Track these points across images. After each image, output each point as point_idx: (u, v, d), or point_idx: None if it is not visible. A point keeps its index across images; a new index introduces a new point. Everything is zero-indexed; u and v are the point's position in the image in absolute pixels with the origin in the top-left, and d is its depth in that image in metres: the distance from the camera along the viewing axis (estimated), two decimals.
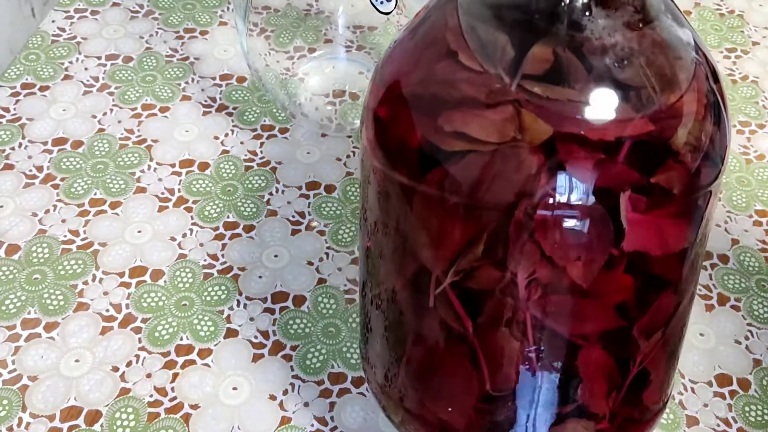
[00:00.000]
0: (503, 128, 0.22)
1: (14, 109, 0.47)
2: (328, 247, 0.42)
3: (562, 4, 0.22)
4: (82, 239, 0.41)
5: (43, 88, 0.49)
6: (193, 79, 0.50)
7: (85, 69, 0.50)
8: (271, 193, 0.44)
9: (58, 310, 0.38)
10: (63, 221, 0.42)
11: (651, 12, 0.23)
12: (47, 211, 0.42)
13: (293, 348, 0.37)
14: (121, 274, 0.40)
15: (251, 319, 0.38)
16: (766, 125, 0.52)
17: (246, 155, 0.46)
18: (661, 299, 0.25)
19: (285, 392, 0.36)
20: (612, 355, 0.25)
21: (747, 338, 0.40)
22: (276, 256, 0.41)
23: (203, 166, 0.45)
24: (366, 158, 0.27)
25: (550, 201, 0.22)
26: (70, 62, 0.51)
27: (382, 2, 0.42)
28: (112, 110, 0.48)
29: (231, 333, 0.38)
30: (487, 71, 0.23)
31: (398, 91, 0.25)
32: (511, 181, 0.22)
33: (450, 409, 0.27)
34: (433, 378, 0.27)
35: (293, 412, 0.35)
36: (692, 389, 0.37)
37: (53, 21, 0.53)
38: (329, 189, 0.45)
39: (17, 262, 0.40)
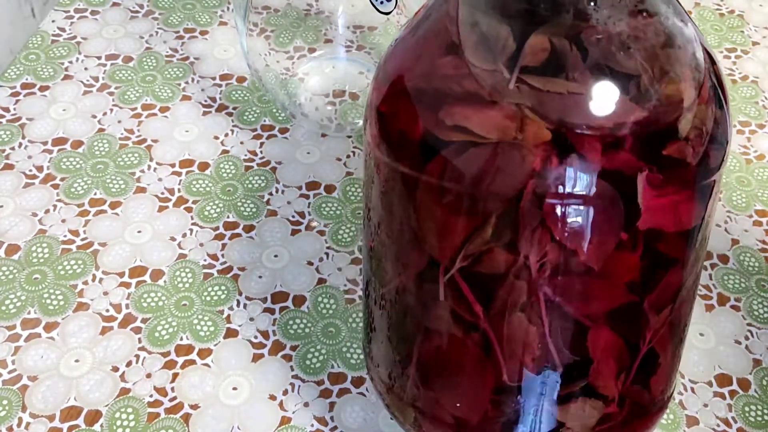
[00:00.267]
0: (504, 126, 0.22)
1: (14, 109, 0.47)
2: (328, 247, 0.42)
3: None
4: (82, 239, 0.41)
5: (43, 88, 0.49)
6: (193, 79, 0.50)
7: (85, 69, 0.50)
8: (271, 193, 0.44)
9: (58, 310, 0.38)
10: (63, 221, 0.42)
11: (653, 3, 0.23)
12: (47, 211, 0.42)
13: (293, 348, 0.37)
14: (121, 274, 0.40)
15: (251, 319, 0.38)
16: (766, 125, 0.52)
17: (246, 155, 0.46)
18: (671, 275, 0.25)
19: (285, 392, 0.36)
20: (623, 335, 0.25)
21: (747, 338, 0.40)
22: (276, 256, 0.41)
23: (203, 166, 0.45)
24: (370, 156, 0.27)
25: (560, 189, 0.22)
26: (70, 62, 0.51)
27: (382, 2, 0.42)
28: (112, 110, 0.48)
29: (231, 333, 0.38)
30: (488, 67, 0.23)
31: (401, 86, 0.25)
32: (515, 172, 0.22)
33: (464, 404, 0.27)
34: (447, 374, 0.27)
35: (293, 412, 0.35)
36: (692, 389, 0.37)
37: (53, 21, 0.53)
38: (329, 189, 0.45)
39: (17, 262, 0.40)
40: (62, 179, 0.44)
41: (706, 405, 0.37)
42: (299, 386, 0.36)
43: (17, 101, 0.48)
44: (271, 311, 0.39)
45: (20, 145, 0.45)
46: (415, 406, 0.29)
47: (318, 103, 0.48)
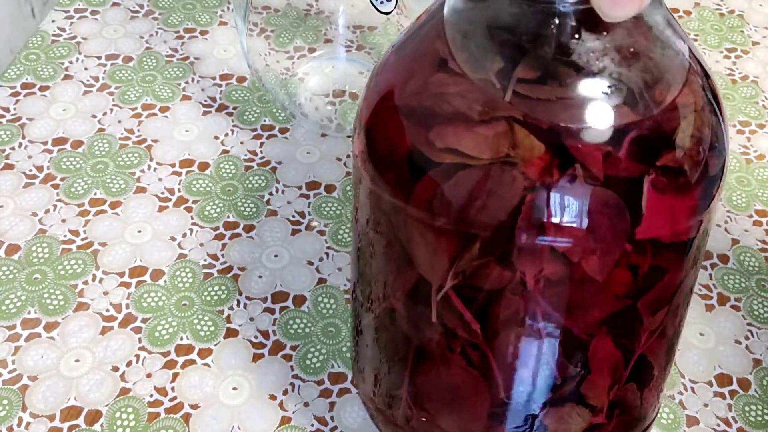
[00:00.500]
0: (496, 144, 0.22)
1: (14, 109, 0.47)
2: (328, 247, 0.42)
3: (551, 26, 0.22)
4: (82, 239, 0.41)
5: (43, 88, 0.49)
6: (193, 79, 0.50)
7: (85, 69, 0.50)
8: (271, 193, 0.44)
9: (58, 310, 0.38)
10: (63, 221, 0.42)
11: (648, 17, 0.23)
12: (47, 211, 0.42)
13: (293, 348, 0.37)
14: (121, 274, 0.40)
15: (251, 319, 0.38)
16: (766, 125, 0.52)
17: (246, 155, 0.46)
18: (667, 280, 0.25)
19: (285, 392, 0.36)
20: (619, 344, 0.25)
21: (747, 338, 0.40)
22: (276, 256, 0.41)
23: (203, 166, 0.45)
24: (356, 169, 0.26)
25: (562, 203, 0.22)
26: (70, 62, 0.51)
27: (382, 2, 0.42)
28: (112, 110, 0.48)
29: (231, 333, 0.38)
30: (479, 81, 0.23)
31: (390, 102, 0.25)
32: (509, 192, 0.22)
33: (462, 423, 0.27)
34: (442, 395, 0.27)
35: (293, 412, 0.35)
36: (692, 389, 0.37)
37: (53, 21, 0.53)
38: (329, 189, 0.45)
39: (17, 262, 0.40)
40: (62, 179, 0.44)
41: (706, 405, 0.37)
42: (299, 386, 0.36)
43: (17, 101, 0.48)
44: (271, 311, 0.39)
45: (20, 145, 0.45)
46: (412, 427, 0.29)
47: (318, 103, 0.48)
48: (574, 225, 0.22)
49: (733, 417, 0.36)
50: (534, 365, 0.25)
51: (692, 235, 0.25)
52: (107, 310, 0.38)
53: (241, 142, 0.47)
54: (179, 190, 0.44)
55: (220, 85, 0.50)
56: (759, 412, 0.37)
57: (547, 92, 0.22)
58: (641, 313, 0.25)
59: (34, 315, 0.38)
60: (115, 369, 0.36)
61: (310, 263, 0.41)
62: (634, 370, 0.26)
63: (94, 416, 0.34)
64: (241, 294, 0.39)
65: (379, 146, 0.25)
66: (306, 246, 0.42)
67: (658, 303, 0.25)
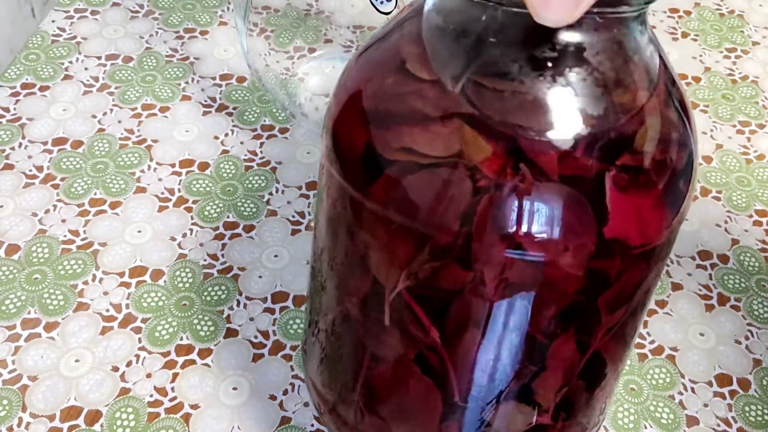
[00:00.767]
0: (448, 142, 0.22)
1: (14, 109, 0.47)
2: None
3: (514, 28, 0.22)
4: (82, 239, 0.41)
5: (43, 88, 0.49)
6: (193, 79, 0.50)
7: (85, 69, 0.50)
8: (271, 193, 0.44)
9: (58, 310, 0.38)
10: (63, 221, 0.42)
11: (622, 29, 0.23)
12: (47, 211, 0.42)
13: (293, 348, 0.37)
14: (121, 274, 0.40)
15: (251, 319, 0.38)
16: (766, 125, 0.52)
17: (246, 155, 0.46)
18: (629, 276, 0.25)
19: (285, 392, 0.36)
20: (575, 341, 0.25)
21: (747, 338, 0.40)
22: (276, 256, 0.41)
23: (203, 166, 0.45)
24: (321, 166, 0.26)
25: (518, 202, 0.22)
26: (70, 62, 0.51)
27: (382, 2, 0.42)
28: (112, 110, 0.48)
29: (231, 333, 0.38)
30: (437, 81, 0.23)
31: (356, 102, 0.25)
32: (461, 192, 0.22)
33: (414, 426, 0.27)
34: (395, 399, 0.27)
35: (293, 412, 0.35)
36: (692, 389, 0.37)
37: (53, 21, 0.53)
38: None
39: (17, 262, 0.40)
40: (62, 179, 0.44)
41: (706, 405, 0.37)
42: (299, 386, 0.36)
43: (17, 101, 0.48)
44: (271, 311, 0.39)
45: (20, 145, 0.45)
46: (359, 430, 0.29)
47: (318, 103, 0.48)
48: (540, 225, 0.22)
49: (733, 417, 0.36)
50: (490, 366, 0.25)
51: (663, 236, 0.24)
52: (107, 310, 0.38)
53: (241, 142, 0.47)
54: (179, 190, 0.44)
55: (220, 85, 0.50)
56: (759, 412, 0.37)
57: (505, 91, 0.22)
58: (600, 311, 0.25)
59: (34, 315, 0.38)
60: (115, 369, 0.36)
61: (309, 262, 0.41)
62: (586, 368, 0.26)
63: (94, 416, 0.34)
64: (241, 294, 0.39)
65: (342, 145, 0.25)
66: (306, 246, 0.42)
67: (618, 301, 0.25)
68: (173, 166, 0.45)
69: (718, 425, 0.36)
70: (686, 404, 0.37)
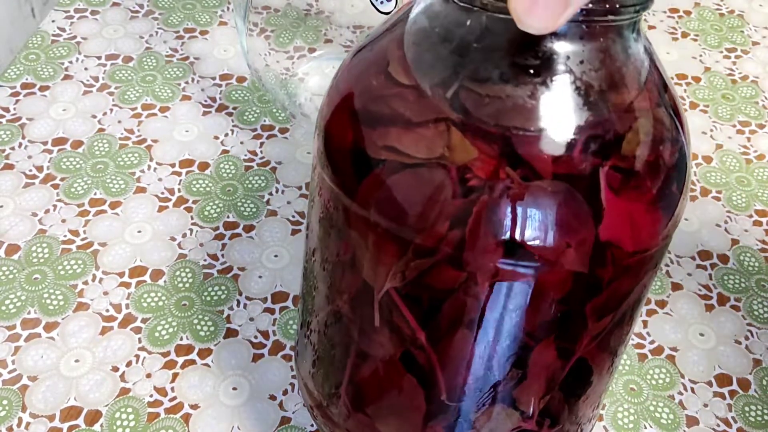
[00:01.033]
0: (433, 144, 0.22)
1: (14, 109, 0.47)
2: None
3: (503, 32, 0.21)
4: (82, 239, 0.41)
5: (43, 88, 0.49)
6: (193, 79, 0.50)
7: (85, 69, 0.50)
8: (271, 193, 0.44)
9: (58, 310, 0.38)
10: (63, 221, 0.42)
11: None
12: (47, 211, 0.42)
13: (293, 348, 0.37)
14: (121, 274, 0.40)
15: (251, 319, 0.38)
16: (766, 125, 0.52)
17: (246, 155, 0.46)
18: (622, 283, 0.24)
19: (285, 392, 0.36)
20: (559, 348, 0.25)
21: (747, 338, 0.40)
22: (276, 256, 0.41)
23: (203, 166, 0.45)
24: (313, 167, 0.26)
25: (512, 203, 0.21)
26: (70, 62, 0.51)
27: (382, 2, 0.42)
28: (112, 110, 0.48)
29: (231, 333, 0.38)
30: (412, 83, 0.23)
31: (347, 103, 0.25)
32: (441, 201, 0.21)
33: (400, 424, 0.27)
34: (381, 397, 0.27)
35: (293, 412, 0.35)
36: (692, 389, 0.37)
37: (53, 21, 0.53)
38: None
39: (17, 262, 0.40)
40: (62, 179, 0.44)
41: (706, 405, 0.37)
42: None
43: (17, 101, 0.48)
44: (271, 311, 0.39)
45: (20, 145, 0.45)
46: (347, 429, 0.29)
47: (318, 103, 0.47)
48: (538, 225, 0.22)
49: (732, 417, 0.36)
50: (477, 367, 0.25)
51: (657, 242, 0.24)
52: (107, 310, 0.38)
53: (241, 142, 0.47)
54: (179, 190, 0.44)
55: (220, 85, 0.50)
56: (759, 412, 0.37)
57: (494, 93, 0.22)
58: (587, 317, 0.24)
59: (34, 315, 0.38)
60: (115, 369, 0.36)
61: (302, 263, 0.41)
62: (570, 375, 0.26)
63: (94, 416, 0.34)
64: (241, 294, 0.39)
65: (332, 145, 0.25)
66: None
67: (606, 308, 0.25)
68: (173, 166, 0.45)
69: (718, 425, 0.36)
70: (686, 404, 0.37)
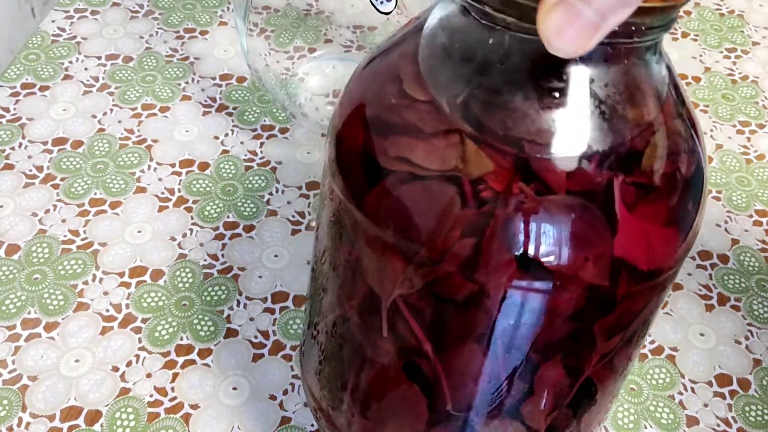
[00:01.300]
0: (446, 156, 0.22)
1: (14, 109, 0.47)
2: None
3: (521, 50, 0.21)
4: (82, 239, 0.41)
5: (43, 88, 0.49)
6: (193, 79, 0.50)
7: (85, 69, 0.50)
8: (271, 193, 0.44)
9: (58, 310, 0.38)
10: (63, 221, 0.42)
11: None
12: (47, 211, 0.42)
13: (293, 348, 0.37)
14: (121, 274, 0.40)
15: (251, 319, 0.38)
16: (766, 125, 0.52)
17: (246, 155, 0.46)
18: (635, 302, 0.24)
19: (285, 392, 0.36)
20: (567, 366, 0.25)
21: (747, 338, 0.40)
22: (276, 256, 0.41)
23: (203, 166, 0.45)
24: (324, 172, 0.26)
25: (526, 220, 0.21)
26: (70, 62, 0.51)
27: (382, 2, 0.42)
28: (112, 110, 0.48)
29: (231, 333, 0.38)
30: (429, 98, 0.22)
31: (359, 112, 0.25)
32: (454, 214, 0.21)
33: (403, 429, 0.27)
34: (385, 403, 0.27)
35: (293, 412, 0.35)
36: (692, 389, 0.37)
37: (53, 21, 0.53)
38: None
39: (17, 262, 0.40)
40: (62, 179, 0.44)
41: (706, 405, 0.37)
42: (299, 386, 0.36)
43: (17, 101, 0.48)
44: (271, 311, 0.39)
45: (20, 145, 0.45)
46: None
47: (318, 103, 0.47)
48: (552, 241, 0.21)
49: (733, 417, 0.36)
50: (483, 381, 0.24)
51: (671, 262, 0.24)
52: (107, 310, 0.38)
53: (241, 142, 0.47)
54: (179, 190, 0.44)
55: (220, 85, 0.50)
56: (759, 412, 0.37)
57: (513, 111, 0.22)
58: (595, 336, 0.24)
59: (34, 315, 0.38)
60: (115, 369, 0.36)
61: (311, 263, 0.41)
62: (578, 393, 0.26)
63: (94, 416, 0.34)
64: (241, 294, 0.39)
65: (343, 153, 0.25)
66: (306, 246, 0.42)
67: (616, 327, 0.24)
68: (173, 166, 0.45)
69: (718, 425, 0.36)
70: (686, 404, 0.37)
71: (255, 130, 0.48)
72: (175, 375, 0.36)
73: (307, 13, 0.48)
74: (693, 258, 0.43)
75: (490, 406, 0.25)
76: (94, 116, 0.47)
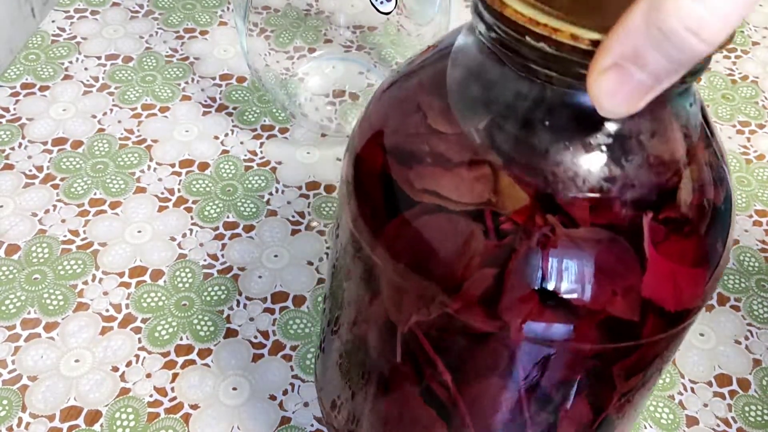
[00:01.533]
0: (476, 188, 0.21)
1: (14, 109, 0.47)
2: (327, 247, 0.42)
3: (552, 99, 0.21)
4: (82, 239, 0.41)
5: (43, 88, 0.49)
6: (193, 79, 0.50)
7: (85, 69, 0.50)
8: (271, 193, 0.44)
9: (58, 310, 0.38)
10: (63, 221, 0.42)
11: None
12: (47, 211, 0.42)
13: (293, 348, 0.37)
14: (121, 274, 0.40)
15: (251, 319, 0.38)
16: (766, 125, 0.52)
17: (246, 155, 0.46)
18: (657, 345, 0.24)
19: (285, 392, 0.36)
20: (590, 404, 0.24)
21: (747, 338, 0.40)
22: (276, 256, 0.41)
23: (203, 166, 0.45)
24: (342, 191, 0.26)
25: (558, 256, 0.20)
26: (70, 62, 0.51)
27: (382, 2, 0.42)
28: (112, 110, 0.48)
29: (231, 333, 0.38)
30: (468, 126, 0.22)
31: (380, 136, 0.24)
32: (483, 248, 0.21)
33: None
34: (401, 427, 0.26)
35: (293, 412, 0.35)
36: (692, 389, 0.37)
37: (53, 21, 0.53)
38: (329, 189, 0.45)
39: (17, 262, 0.40)
40: (62, 179, 0.44)
41: (706, 405, 0.37)
42: (299, 386, 0.36)
43: (17, 101, 0.48)
44: (271, 311, 0.39)
45: (20, 145, 0.45)
46: None
47: (318, 103, 0.47)
48: (571, 274, 0.21)
49: (732, 417, 0.36)
50: (504, 413, 0.24)
51: (697, 302, 0.23)
52: (107, 310, 0.38)
53: (241, 142, 0.47)
54: (179, 190, 0.44)
55: (220, 85, 0.50)
56: (759, 413, 0.37)
57: (535, 141, 0.21)
58: (615, 376, 0.24)
59: (34, 315, 0.38)
60: (115, 369, 0.36)
61: (310, 263, 0.41)
62: (599, 427, 0.25)
63: (94, 416, 0.34)
64: (241, 294, 0.39)
65: (365, 176, 0.24)
66: (306, 246, 0.42)
67: (637, 367, 0.24)
68: (173, 166, 0.45)
69: (718, 425, 0.36)
70: (686, 404, 0.37)
71: (255, 130, 0.48)
72: (175, 375, 0.36)
73: (307, 13, 0.48)
74: None
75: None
76: (94, 116, 0.47)
